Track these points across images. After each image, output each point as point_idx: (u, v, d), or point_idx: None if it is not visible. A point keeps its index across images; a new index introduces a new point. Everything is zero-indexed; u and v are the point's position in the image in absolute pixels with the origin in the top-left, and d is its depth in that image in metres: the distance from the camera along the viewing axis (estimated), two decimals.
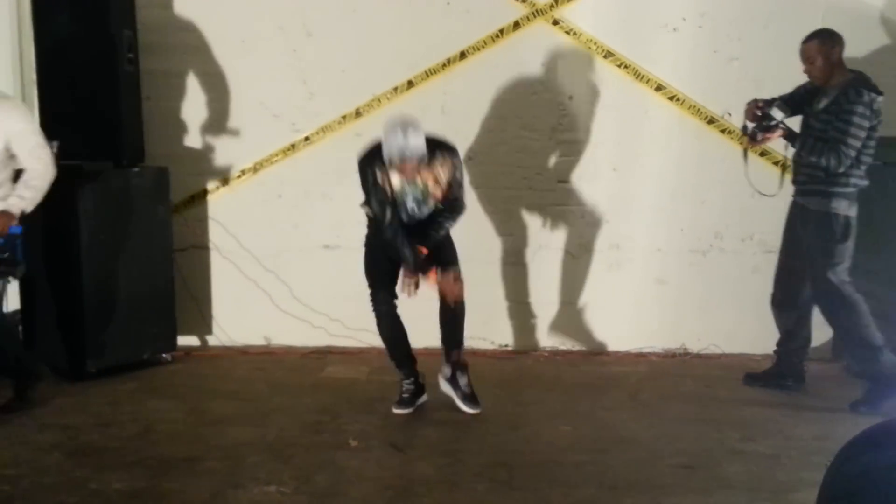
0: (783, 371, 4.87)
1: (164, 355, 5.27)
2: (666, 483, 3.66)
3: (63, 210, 4.82)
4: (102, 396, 4.65)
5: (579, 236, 5.58)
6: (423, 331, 4.52)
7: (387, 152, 4.07)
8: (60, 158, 4.85)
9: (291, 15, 5.43)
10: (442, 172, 4.29)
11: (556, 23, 5.42)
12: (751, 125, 4.60)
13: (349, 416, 4.39)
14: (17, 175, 4.33)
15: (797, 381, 4.85)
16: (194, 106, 5.51)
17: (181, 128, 5.52)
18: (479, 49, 5.45)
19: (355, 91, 5.43)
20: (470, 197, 5.48)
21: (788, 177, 4.76)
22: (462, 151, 5.34)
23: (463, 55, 5.44)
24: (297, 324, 5.56)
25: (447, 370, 4.51)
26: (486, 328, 5.61)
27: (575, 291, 5.59)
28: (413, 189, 4.29)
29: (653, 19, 5.42)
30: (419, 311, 4.44)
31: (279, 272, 5.56)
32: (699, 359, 5.51)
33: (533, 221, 5.57)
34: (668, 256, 5.57)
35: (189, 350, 5.50)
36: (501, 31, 5.44)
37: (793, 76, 4.69)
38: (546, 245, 5.59)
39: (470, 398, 4.47)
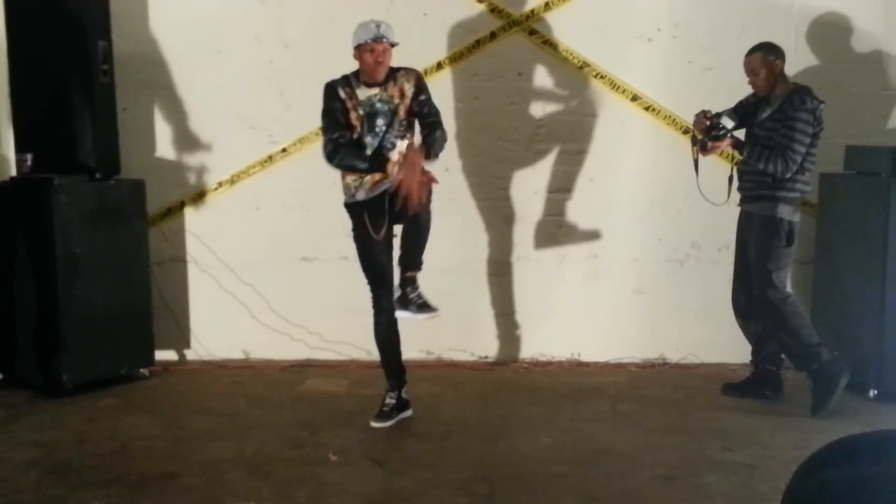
0: (761, 380, 4.91)
1: (141, 370, 5.22)
2: (646, 494, 3.68)
3: (38, 223, 4.79)
4: (79, 413, 4.60)
5: (557, 246, 5.59)
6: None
7: (359, 36, 4.19)
8: (34, 171, 4.84)
9: (268, 25, 5.41)
10: (407, 85, 4.29)
11: (532, 33, 5.44)
12: (699, 136, 4.70)
13: (329, 430, 4.37)
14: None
15: (775, 390, 4.89)
16: (171, 118, 5.47)
17: (158, 140, 5.48)
18: (455, 60, 5.46)
19: None
20: (448, 207, 5.51)
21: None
22: (440, 162, 5.37)
23: (440, 66, 5.44)
24: (276, 337, 5.52)
25: (397, 292, 4.34)
26: (466, 339, 5.62)
27: (553, 302, 5.60)
28: (382, 105, 4.26)
29: (628, 30, 5.45)
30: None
31: (257, 285, 5.53)
32: (678, 369, 5.53)
33: (510, 232, 5.58)
34: (645, 266, 5.60)
35: (167, 365, 5.46)
36: (478, 41, 5.45)
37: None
38: (524, 255, 5.60)
39: (425, 305, 4.32)
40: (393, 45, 4.26)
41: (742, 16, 5.35)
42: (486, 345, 5.64)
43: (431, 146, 4.23)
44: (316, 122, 5.39)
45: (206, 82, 5.44)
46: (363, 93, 4.28)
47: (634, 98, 5.47)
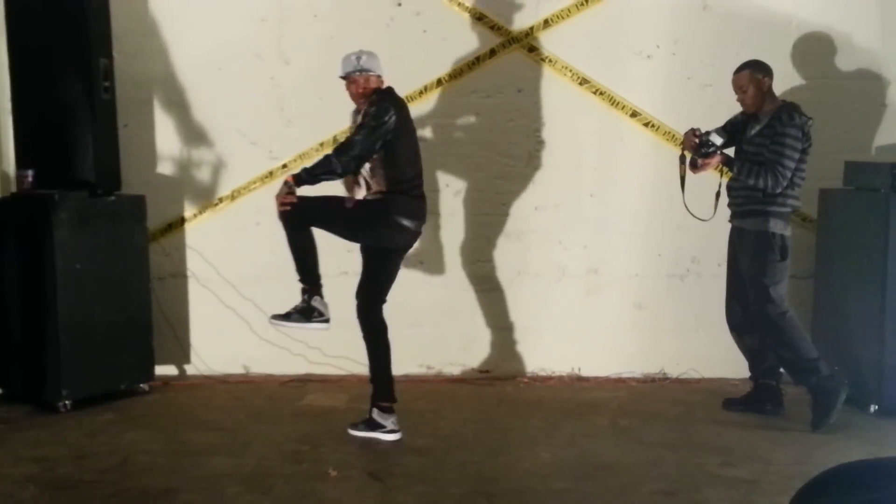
0: (761, 395, 4.91)
1: (141, 385, 5.22)
2: None
3: (38, 239, 4.79)
4: (79, 428, 4.60)
5: (557, 262, 5.60)
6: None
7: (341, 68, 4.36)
8: (35, 187, 4.86)
9: (268, 43, 5.44)
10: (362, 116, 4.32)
11: (531, 50, 5.47)
12: (689, 154, 4.72)
13: (329, 445, 4.37)
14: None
15: (776, 405, 4.88)
16: (172, 134, 5.50)
17: (158, 156, 5.51)
18: (455, 76, 5.49)
19: (332, 118, 5.41)
20: (448, 223, 5.54)
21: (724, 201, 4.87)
22: (440, 178, 5.40)
23: (440, 82, 5.47)
24: (276, 352, 5.52)
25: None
26: (466, 354, 5.62)
27: (554, 317, 5.60)
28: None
29: (627, 46, 5.48)
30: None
31: (257, 300, 5.52)
32: (678, 383, 5.53)
33: (511, 247, 5.59)
34: (645, 281, 5.61)
35: (167, 380, 5.46)
36: (478, 58, 5.48)
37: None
38: (524, 270, 5.60)
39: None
40: (364, 71, 4.33)
41: (740, 32, 5.38)
42: (486, 359, 5.64)
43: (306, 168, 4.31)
44: (315, 138, 5.46)
45: (206, 99, 5.47)
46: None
47: (634, 114, 5.50)
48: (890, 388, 4.81)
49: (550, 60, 5.47)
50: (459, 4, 5.44)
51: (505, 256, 5.60)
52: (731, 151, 4.79)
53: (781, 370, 4.88)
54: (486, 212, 5.56)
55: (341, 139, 5.37)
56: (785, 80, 4.91)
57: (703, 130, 4.67)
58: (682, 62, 5.47)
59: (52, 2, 4.87)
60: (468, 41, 5.46)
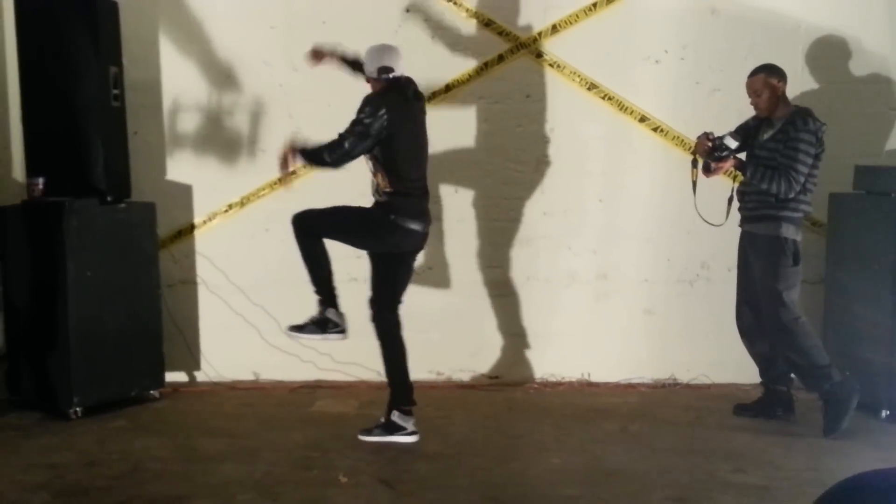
0: (772, 401, 4.89)
1: (151, 392, 5.22)
2: None
3: (49, 246, 4.81)
4: (89, 434, 4.61)
5: (566, 267, 5.59)
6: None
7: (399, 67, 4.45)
8: (46, 194, 4.88)
9: (277, 50, 5.46)
10: None
11: (539, 55, 5.47)
12: (701, 159, 4.72)
13: (339, 451, 4.37)
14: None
15: (787, 410, 4.86)
16: (181, 141, 5.51)
17: (168, 163, 5.52)
18: (463, 82, 5.49)
19: (341, 125, 5.39)
20: (457, 229, 5.53)
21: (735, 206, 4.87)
22: (448, 184, 5.39)
23: (448, 88, 5.47)
24: (286, 358, 5.52)
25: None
26: (475, 360, 5.61)
27: (563, 322, 5.59)
28: None
29: (635, 51, 5.48)
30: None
31: (267, 306, 5.53)
32: (688, 389, 5.51)
33: (520, 253, 5.59)
34: (655, 286, 5.59)
35: (177, 386, 5.47)
36: (486, 64, 5.49)
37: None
38: (534, 276, 5.60)
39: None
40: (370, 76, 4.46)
41: (749, 37, 5.37)
42: (495, 365, 5.63)
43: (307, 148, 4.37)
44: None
45: (215, 105, 5.48)
46: None
47: (642, 119, 5.49)
48: None
49: (558, 66, 5.47)
50: (467, 10, 5.44)
51: (514, 262, 5.60)
52: (742, 156, 4.77)
53: (792, 376, 4.86)
54: (495, 217, 5.56)
55: None
56: (794, 85, 4.89)
57: (715, 135, 4.65)
58: (690, 67, 5.47)
59: (62, 10, 4.89)
60: (476, 47, 5.47)
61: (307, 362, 5.54)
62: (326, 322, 4.42)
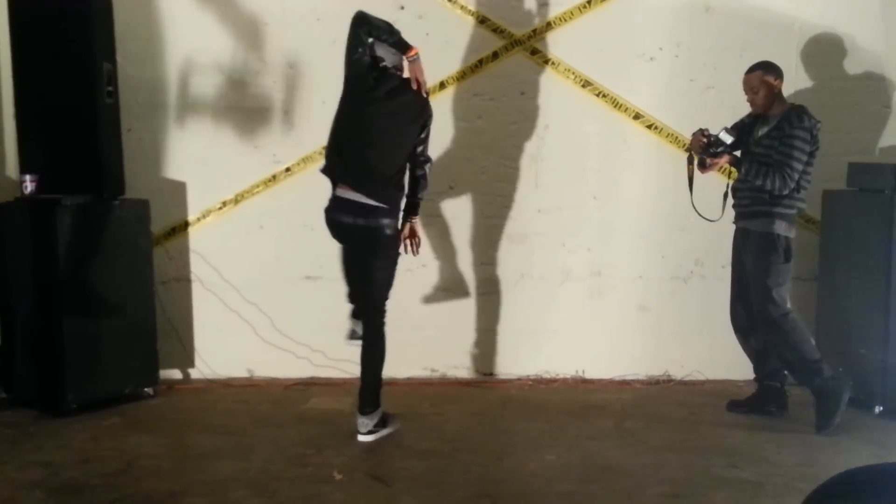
0: (766, 397, 4.90)
1: (146, 389, 5.21)
2: None
3: (43, 243, 4.80)
4: (83, 432, 4.60)
5: (561, 264, 5.60)
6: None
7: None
8: (40, 192, 4.87)
9: (272, 47, 5.45)
10: None
11: (534, 53, 5.47)
12: (697, 155, 4.73)
13: (334, 448, 4.37)
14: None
15: (780, 406, 4.88)
16: (175, 138, 5.50)
17: (162, 159, 5.51)
18: (458, 79, 5.49)
19: None
20: (451, 226, 5.54)
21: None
22: (443, 181, 5.40)
23: (443, 85, 5.47)
24: (281, 355, 5.53)
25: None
26: (469, 357, 5.62)
27: (557, 319, 5.60)
28: None
29: (630, 49, 5.48)
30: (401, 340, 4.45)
31: (261, 303, 5.53)
32: (683, 385, 5.53)
33: (514, 250, 5.59)
34: (649, 283, 5.60)
35: (171, 383, 5.46)
36: (481, 61, 5.49)
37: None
38: (528, 273, 5.60)
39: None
40: None
41: (743, 35, 5.38)
42: (490, 362, 5.64)
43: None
44: (319, 141, 5.45)
45: (210, 103, 5.47)
46: None
47: (637, 116, 5.50)
48: (895, 390, 4.81)
49: (553, 63, 5.47)
50: (462, 7, 5.44)
51: (509, 259, 5.60)
52: (737, 153, 4.79)
53: (786, 372, 4.88)
54: (490, 215, 5.57)
55: None
56: (788, 83, 4.89)
57: (710, 131, 4.67)
58: (684, 64, 5.48)
59: (57, 7, 4.88)
60: (471, 44, 5.47)
61: (302, 359, 5.54)
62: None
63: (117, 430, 4.66)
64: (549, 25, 5.46)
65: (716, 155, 4.66)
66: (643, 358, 5.60)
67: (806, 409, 4.75)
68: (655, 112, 5.49)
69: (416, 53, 4.38)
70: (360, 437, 4.40)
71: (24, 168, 4.95)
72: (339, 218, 4.37)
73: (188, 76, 5.46)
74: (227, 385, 5.49)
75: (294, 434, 4.60)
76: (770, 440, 4.50)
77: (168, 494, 3.80)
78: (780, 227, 4.65)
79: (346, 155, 4.35)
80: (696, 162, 4.76)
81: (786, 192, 4.59)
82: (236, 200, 5.56)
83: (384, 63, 4.39)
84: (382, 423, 4.45)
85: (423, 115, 4.39)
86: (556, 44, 5.47)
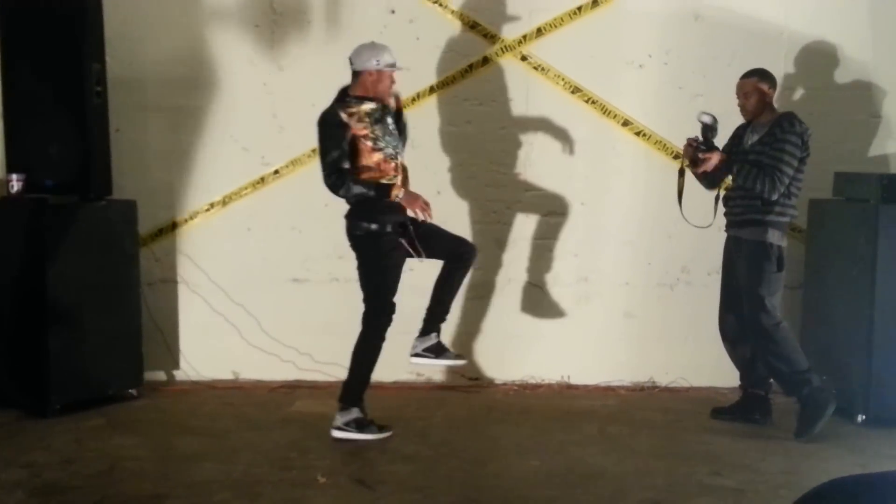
0: (750, 405, 4.92)
1: (130, 390, 5.19)
2: None
3: (29, 243, 4.79)
4: (66, 433, 4.57)
5: (548, 270, 5.60)
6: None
7: (383, 60, 4.38)
8: (26, 192, 4.85)
9: (262, 49, 5.44)
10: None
11: (524, 58, 5.49)
12: (688, 168, 4.77)
13: (318, 451, 4.36)
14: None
15: (764, 414, 4.89)
16: (164, 139, 5.49)
17: (150, 160, 5.49)
18: (448, 84, 5.50)
19: None
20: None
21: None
22: (432, 185, 5.40)
23: (432, 90, 5.48)
24: (266, 358, 5.52)
25: (432, 337, 4.55)
26: None
27: (543, 325, 5.61)
28: (384, 115, 4.46)
29: (619, 56, 5.50)
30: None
31: (248, 306, 5.52)
32: (667, 392, 5.54)
33: (501, 255, 5.60)
34: (635, 290, 5.62)
35: (156, 385, 5.44)
36: (471, 66, 5.49)
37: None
38: (515, 278, 5.61)
39: (459, 355, 4.67)
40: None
41: (732, 43, 5.40)
42: (475, 367, 5.64)
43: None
44: (308, 144, 5.44)
45: (199, 104, 5.46)
46: (366, 106, 4.41)
47: (625, 123, 5.51)
48: (878, 399, 4.83)
49: (543, 69, 5.48)
50: (453, 12, 5.45)
51: (495, 264, 5.60)
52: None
53: (771, 381, 4.89)
54: (478, 220, 5.57)
55: None
56: (776, 91, 4.92)
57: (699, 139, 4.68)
58: (673, 72, 5.50)
59: (45, 7, 4.86)
60: (461, 49, 5.48)
61: (287, 362, 5.53)
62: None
63: (101, 432, 4.63)
64: (539, 31, 5.47)
65: (708, 150, 4.65)
66: (628, 364, 5.61)
67: (790, 417, 4.76)
68: (644, 119, 5.51)
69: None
70: (331, 431, 4.43)
71: (11, 167, 4.93)
72: None
73: (177, 77, 5.45)
74: (212, 387, 5.47)
75: (278, 437, 4.59)
76: (753, 447, 4.51)
77: (151, 496, 3.78)
78: (773, 237, 4.65)
79: None
80: (686, 172, 4.78)
81: (776, 196, 4.59)
82: (224, 202, 5.55)
83: None
84: (357, 427, 4.44)
85: None
86: (547, 50, 5.48)
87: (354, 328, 4.50)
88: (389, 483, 3.99)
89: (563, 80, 5.49)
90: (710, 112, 4.69)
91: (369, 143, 4.36)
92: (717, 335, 4.98)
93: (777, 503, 3.63)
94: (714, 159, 4.68)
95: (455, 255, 4.56)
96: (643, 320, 5.62)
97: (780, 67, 5.36)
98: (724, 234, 4.90)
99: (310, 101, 5.35)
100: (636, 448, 4.51)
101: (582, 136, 5.54)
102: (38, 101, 4.90)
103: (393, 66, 4.42)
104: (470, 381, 5.63)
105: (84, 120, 4.90)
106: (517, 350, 5.63)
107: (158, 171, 5.51)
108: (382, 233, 4.42)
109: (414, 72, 5.33)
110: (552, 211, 5.57)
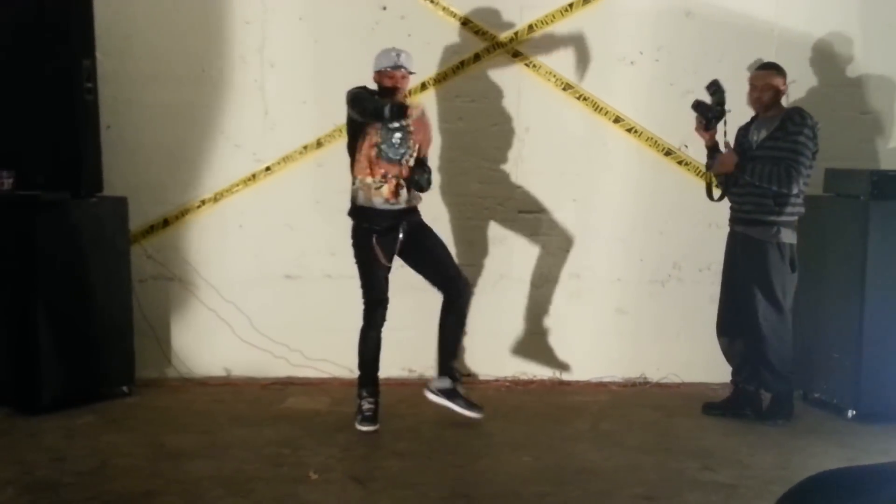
0: (741, 400, 4.93)
1: (121, 388, 5.18)
2: None
3: (20, 240, 4.76)
4: (58, 430, 4.56)
5: (540, 266, 5.61)
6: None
7: (380, 62, 4.54)
8: (16, 188, 4.83)
9: (253, 46, 5.43)
10: (421, 127, 4.58)
11: (516, 55, 5.49)
12: (702, 128, 4.77)
13: (310, 448, 4.36)
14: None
15: (755, 410, 4.91)
16: (155, 135, 5.46)
17: (141, 157, 5.46)
18: (440, 81, 5.50)
19: (316, 121, 5.43)
20: (431, 227, 5.53)
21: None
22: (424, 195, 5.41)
23: (424, 86, 5.47)
24: (258, 354, 5.51)
25: (445, 381, 4.67)
26: None
27: (536, 321, 5.62)
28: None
29: (611, 52, 5.51)
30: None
31: (239, 303, 5.51)
32: (659, 388, 5.56)
33: (494, 251, 5.60)
34: (627, 286, 5.63)
35: (147, 382, 5.41)
36: (462, 62, 5.49)
37: (747, 108, 4.84)
38: (507, 275, 5.61)
39: (474, 405, 4.69)
40: (410, 73, 4.60)
41: (723, 40, 5.42)
42: (468, 363, 5.64)
43: (419, 180, 4.66)
44: (299, 141, 5.45)
45: (190, 101, 5.45)
46: None
47: (617, 120, 5.52)
48: (867, 394, 4.85)
49: (534, 66, 5.49)
50: (444, 9, 5.45)
51: (488, 261, 5.61)
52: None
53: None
54: (470, 216, 5.57)
55: (325, 143, 5.42)
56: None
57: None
58: (665, 69, 5.51)
59: (35, 2, 4.85)
60: (453, 46, 5.48)
61: (279, 358, 5.52)
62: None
63: (92, 429, 4.63)
64: (531, 28, 5.48)
65: (716, 117, 4.67)
66: (620, 360, 5.62)
67: None
68: (635, 116, 5.52)
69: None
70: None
71: (1, 164, 4.90)
72: None
73: (168, 73, 5.43)
74: (204, 384, 5.46)
75: (270, 434, 4.58)
76: (744, 443, 4.53)
77: (143, 494, 3.78)
78: (786, 236, 4.66)
79: None
80: (706, 163, 4.84)
81: (796, 189, 4.57)
82: (216, 199, 5.53)
83: None
84: (359, 414, 4.61)
85: None
86: (538, 47, 5.48)
87: (347, 325, 4.52)
88: (381, 479, 4.00)
89: (554, 76, 5.49)
90: (716, 82, 4.70)
91: (372, 138, 4.48)
92: (709, 331, 5.00)
93: (768, 498, 3.63)
94: (704, 139, 4.73)
95: (443, 289, 4.71)
96: (635, 317, 5.63)
97: None
98: (715, 232, 4.91)
99: (301, 99, 5.38)
100: (628, 444, 4.53)
101: (573, 133, 5.54)
102: (29, 96, 4.87)
103: (395, 67, 4.50)
104: (462, 377, 5.62)
105: (74, 116, 4.89)
106: (509, 346, 5.64)
107: (150, 167, 5.48)
108: (370, 230, 4.53)
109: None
110: (544, 207, 5.58)
